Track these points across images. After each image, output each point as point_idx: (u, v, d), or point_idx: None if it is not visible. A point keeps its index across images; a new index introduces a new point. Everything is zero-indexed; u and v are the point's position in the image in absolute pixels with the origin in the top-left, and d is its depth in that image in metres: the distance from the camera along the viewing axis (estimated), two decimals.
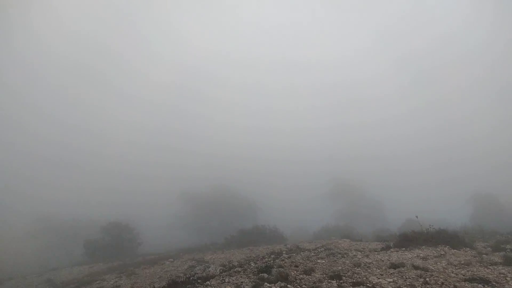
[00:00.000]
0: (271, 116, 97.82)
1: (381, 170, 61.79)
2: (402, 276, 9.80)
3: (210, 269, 12.43)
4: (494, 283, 9.03)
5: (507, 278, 9.43)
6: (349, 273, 10.32)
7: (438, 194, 53.68)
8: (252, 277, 10.35)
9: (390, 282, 9.43)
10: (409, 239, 14.19)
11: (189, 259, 19.73)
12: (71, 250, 34.27)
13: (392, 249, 13.92)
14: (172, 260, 20.42)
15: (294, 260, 12.52)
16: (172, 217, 41.27)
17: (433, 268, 10.50)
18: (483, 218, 35.85)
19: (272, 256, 14.74)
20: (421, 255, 12.62)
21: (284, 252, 15.52)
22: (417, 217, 15.25)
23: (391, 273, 10.14)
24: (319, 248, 16.09)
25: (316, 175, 57.50)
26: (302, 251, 15.16)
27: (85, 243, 29.31)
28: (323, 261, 12.33)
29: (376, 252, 13.57)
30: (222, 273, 11.47)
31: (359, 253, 13.72)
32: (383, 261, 11.97)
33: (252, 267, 11.82)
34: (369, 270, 10.58)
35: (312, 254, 14.20)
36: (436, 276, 9.65)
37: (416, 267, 10.58)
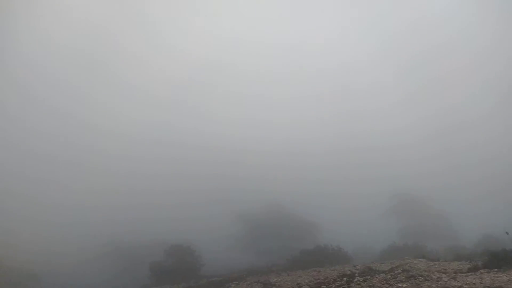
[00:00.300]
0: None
1: (446, 183, 57.48)
2: None
3: None
4: None
5: None
6: None
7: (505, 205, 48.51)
8: None
9: None
10: (501, 258, 12.62)
11: (255, 282, 19.27)
12: (137, 273, 35.30)
13: (481, 270, 12.45)
14: (237, 282, 20.11)
15: (371, 284, 11.61)
16: (230, 238, 41.26)
17: None
18: None
19: (345, 279, 13.84)
20: None
21: (356, 275, 14.53)
22: (507, 233, 13.60)
23: None
24: (394, 269, 14.88)
25: (376, 182, 54.89)
26: (377, 274, 14.08)
27: (151, 266, 30.02)
28: (404, 285, 11.28)
29: (464, 274, 12.19)
30: None
31: (444, 275, 12.43)
32: (475, 284, 10.68)
33: None
34: None
35: (389, 276, 13.12)
36: None
37: None
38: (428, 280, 11.54)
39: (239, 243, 41.01)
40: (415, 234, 40.94)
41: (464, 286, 10.65)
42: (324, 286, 12.51)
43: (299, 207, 45.53)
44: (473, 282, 11.01)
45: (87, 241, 38.88)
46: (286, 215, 44.51)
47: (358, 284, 11.84)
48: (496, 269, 12.30)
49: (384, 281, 12.04)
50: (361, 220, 51.46)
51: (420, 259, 18.63)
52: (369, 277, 13.36)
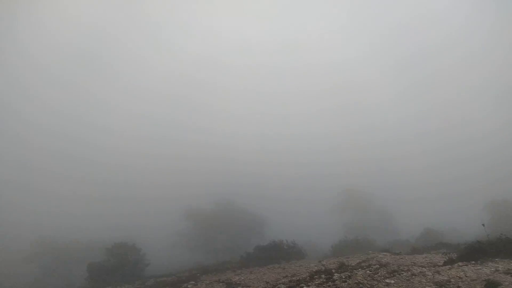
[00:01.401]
0: (266, 121, 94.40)
1: (387, 181, 60.29)
2: None
3: None
4: None
5: None
6: None
7: (445, 205, 52.24)
8: None
9: None
10: (476, 250, 12.52)
11: (215, 281, 17.70)
12: (70, 275, 31.79)
13: (459, 263, 12.24)
14: (194, 283, 18.37)
15: (359, 281, 10.75)
16: (176, 235, 38.94)
17: None
18: (500, 225, 34.50)
19: (322, 276, 12.90)
20: (500, 269, 10.98)
21: (333, 271, 13.66)
22: (483, 225, 13.64)
23: None
24: (372, 264, 14.29)
25: (323, 188, 55.78)
26: (355, 269, 13.33)
27: (88, 267, 26.86)
28: (392, 281, 10.58)
29: (448, 267, 11.85)
30: None
31: (424, 269, 12.00)
32: (461, 278, 10.29)
33: None
34: None
35: (369, 271, 12.43)
36: None
37: None
38: (415, 276, 10.97)
39: (187, 240, 38.84)
40: (357, 229, 42.03)
41: (452, 280, 10.22)
42: (303, 285, 11.39)
43: (250, 205, 44.46)
44: (458, 275, 10.65)
45: (12, 241, 34.34)
46: (236, 212, 43.16)
47: (345, 281, 10.92)
48: (473, 262, 12.17)
49: (369, 277, 11.28)
50: (309, 219, 51.95)
51: (384, 253, 18.46)
52: (348, 273, 12.55)
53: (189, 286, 17.68)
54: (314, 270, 15.55)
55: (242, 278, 17.42)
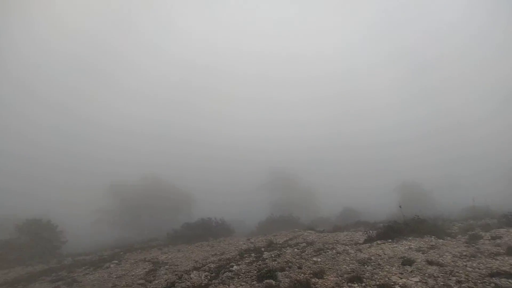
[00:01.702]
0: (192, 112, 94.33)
1: (313, 163, 63.49)
2: (424, 274, 8.89)
3: (192, 275, 10.22)
4: None
5: None
6: (367, 274, 9.13)
7: (366, 185, 56.59)
8: (256, 285, 8.57)
9: (417, 282, 8.44)
10: (393, 230, 13.58)
11: (140, 261, 17.01)
12: None
13: (378, 241, 13.19)
14: (117, 262, 17.45)
15: (288, 259, 11.00)
16: (99, 212, 36.83)
17: (445, 263, 9.81)
18: (409, 205, 38.41)
19: (252, 254, 13.02)
20: (412, 247, 12.03)
21: (263, 249, 13.88)
22: (400, 207, 14.77)
23: (411, 271, 9.18)
24: (299, 243, 14.78)
25: (254, 170, 56.85)
26: (283, 247, 13.68)
27: None
28: (319, 259, 11.02)
29: (368, 245, 12.67)
30: (211, 280, 9.47)
31: (347, 247, 12.72)
32: (380, 255, 11.07)
33: (244, 270, 10.01)
34: (386, 269, 9.51)
35: (296, 250, 12.83)
36: (458, 272, 8.94)
37: (430, 263, 9.79)
38: (340, 254, 11.54)
39: (111, 217, 36.88)
40: (284, 207, 43.67)
41: (372, 257, 10.92)
42: (233, 264, 11.35)
43: (178, 184, 43.51)
44: (378, 253, 11.43)
45: None
46: (162, 190, 41.94)
47: (275, 260, 11.11)
48: (390, 240, 13.19)
49: (298, 256, 11.62)
50: (238, 198, 52.68)
51: (309, 231, 19.28)
52: (276, 251, 12.82)
53: (111, 265, 16.74)
54: (243, 248, 15.69)
55: (170, 256, 16.97)
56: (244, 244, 17.24)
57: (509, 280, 8.27)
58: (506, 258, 10.11)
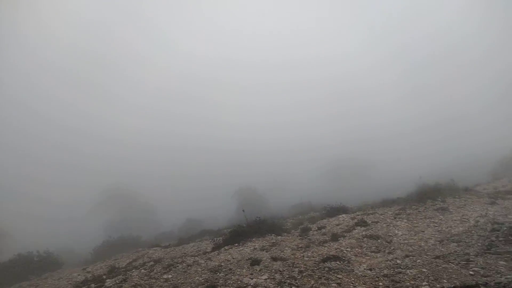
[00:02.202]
0: None
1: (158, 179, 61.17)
2: (271, 271, 9.47)
3: None
4: (342, 257, 10.02)
5: (344, 251, 10.68)
6: (221, 281, 9.10)
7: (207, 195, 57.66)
8: None
9: (266, 279, 8.90)
10: (238, 234, 14.14)
11: None
12: None
13: (226, 247, 13.48)
14: None
15: (136, 283, 10.03)
16: None
17: (287, 257, 10.72)
18: (248, 208, 41.15)
19: (92, 285, 11.35)
20: (257, 247, 12.77)
21: (104, 277, 12.25)
22: (244, 211, 15.46)
23: (260, 270, 9.64)
24: (145, 262, 13.73)
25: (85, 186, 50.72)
26: (128, 270, 12.44)
27: None
28: (170, 276, 10.46)
29: (216, 253, 12.76)
30: None
31: (197, 258, 12.53)
32: (229, 260, 11.33)
33: None
34: (237, 272, 9.70)
35: (143, 270, 11.88)
36: (298, 263, 9.88)
37: (275, 259, 10.51)
38: (191, 266, 11.23)
39: None
40: (125, 227, 40.55)
41: (222, 264, 11.05)
42: None
43: None
44: (227, 259, 11.66)
45: None
46: None
47: (120, 286, 9.92)
48: (236, 244, 13.66)
49: (146, 276, 10.73)
50: (63, 218, 46.21)
51: (154, 248, 18.28)
52: (121, 276, 11.56)
53: None
54: (79, 280, 13.61)
55: None
56: (80, 275, 15.00)
57: (337, 262, 9.61)
58: (332, 243, 11.78)
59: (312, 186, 38.24)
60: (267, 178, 50.67)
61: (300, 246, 12.04)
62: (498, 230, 10.06)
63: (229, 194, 46.81)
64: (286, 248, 11.86)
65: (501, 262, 7.83)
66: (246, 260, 10.83)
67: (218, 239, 14.77)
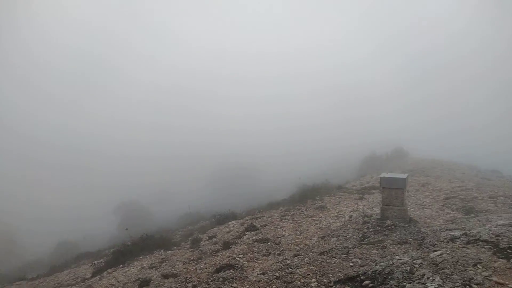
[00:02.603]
0: None
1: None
2: None
3: None
4: (235, 265, 9.97)
5: (237, 258, 10.67)
6: None
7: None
8: None
9: None
10: (123, 254, 12.95)
11: None
12: None
13: (109, 270, 12.18)
14: None
15: None
16: None
17: (179, 272, 10.18)
18: (133, 223, 38.28)
19: None
20: (145, 265, 11.90)
21: None
22: (127, 229, 14.21)
23: None
24: None
25: None
26: None
27: None
28: None
29: (98, 278, 11.40)
30: None
31: (74, 287, 11.02)
32: (113, 284, 10.26)
33: None
34: None
35: None
36: (191, 277, 9.46)
37: (166, 276, 9.86)
38: None
39: None
40: None
41: None
42: None
43: None
44: (111, 283, 10.56)
45: None
46: None
47: None
48: (121, 265, 12.48)
49: None
50: None
51: (18, 283, 15.49)
52: None
53: None
54: None
55: None
56: None
57: (231, 271, 9.50)
58: (224, 252, 11.65)
59: (201, 195, 37.91)
60: (153, 188, 48.41)
61: (191, 258, 11.59)
62: (368, 222, 11.30)
63: (109, 211, 43.24)
64: (177, 263, 11.30)
65: (374, 251, 8.74)
66: (134, 282, 9.93)
67: (99, 261, 13.27)
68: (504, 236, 7.22)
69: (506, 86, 67.17)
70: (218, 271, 9.62)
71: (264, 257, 10.47)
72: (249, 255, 10.78)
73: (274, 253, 10.63)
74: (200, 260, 11.13)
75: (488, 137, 45.86)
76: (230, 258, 10.69)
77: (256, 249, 11.24)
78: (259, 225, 14.30)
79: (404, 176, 10.66)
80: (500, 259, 6.30)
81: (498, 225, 8.26)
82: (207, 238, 14.56)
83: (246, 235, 13.24)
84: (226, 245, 12.22)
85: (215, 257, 11.20)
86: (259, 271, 9.13)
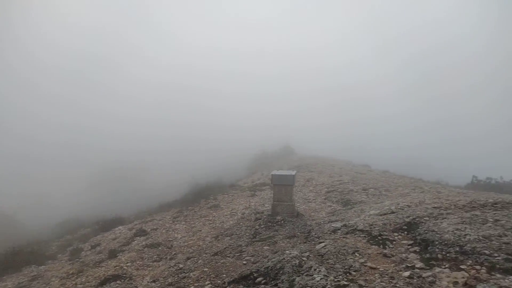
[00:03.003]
0: None
1: None
2: None
3: None
4: (122, 275, 9.22)
5: (124, 267, 9.89)
6: None
7: None
8: None
9: None
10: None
11: None
12: None
13: None
14: None
15: None
16: None
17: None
18: None
19: None
20: (9, 286, 10.19)
21: None
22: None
23: None
24: None
25: None
26: None
27: None
28: None
29: None
30: None
31: None
32: None
33: None
34: None
35: None
36: None
37: None
38: None
39: None
40: None
41: None
42: None
43: None
44: None
45: None
46: None
47: None
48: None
49: None
50: None
51: None
52: None
53: None
54: None
55: None
56: None
57: (118, 282, 8.74)
58: (110, 261, 10.68)
59: (82, 199, 34.19)
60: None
61: (71, 272, 10.31)
62: (260, 219, 11.62)
63: None
64: (53, 279, 9.93)
65: (266, 247, 8.99)
66: None
67: None
68: (375, 224, 8.12)
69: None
70: (102, 283, 8.77)
71: (155, 263, 9.92)
72: (138, 262, 10.10)
73: (166, 258, 10.17)
74: (81, 273, 9.97)
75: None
76: (117, 267, 9.85)
77: (146, 255, 10.60)
78: (149, 229, 13.55)
79: (293, 173, 11.26)
80: (373, 246, 7.03)
81: (371, 215, 9.28)
82: (90, 247, 13.20)
83: (135, 241, 12.41)
84: (112, 254, 11.23)
85: (99, 268, 10.20)
86: (150, 279, 8.61)
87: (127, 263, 10.12)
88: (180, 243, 11.36)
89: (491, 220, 7.14)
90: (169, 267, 9.16)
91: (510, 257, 5.37)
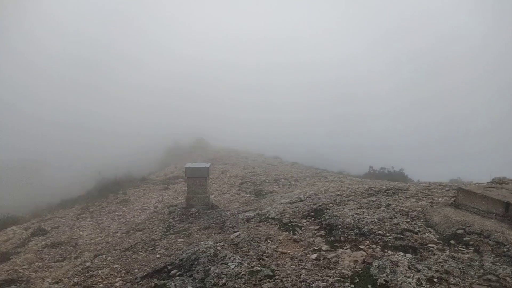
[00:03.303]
0: None
1: None
2: None
3: None
4: (18, 279, 8.33)
5: (20, 271, 8.94)
6: None
7: None
8: None
9: None
10: None
11: None
12: None
13: None
14: None
15: None
16: None
17: None
18: None
19: None
20: None
21: None
22: None
23: None
24: None
25: None
26: None
27: None
28: None
29: None
30: None
31: None
32: None
33: None
34: None
35: None
36: None
37: None
38: None
39: None
40: None
41: None
42: None
43: None
44: None
45: None
46: None
47: None
48: None
49: None
50: None
51: None
52: None
53: None
54: None
55: None
56: None
57: (14, 286, 7.88)
58: (2, 265, 9.53)
59: None
60: None
61: None
62: (173, 212, 11.46)
63: None
64: None
65: (180, 240, 8.93)
66: None
67: None
68: (286, 212, 8.62)
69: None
70: None
71: (57, 263, 9.15)
72: (37, 264, 9.21)
73: (70, 257, 9.44)
74: None
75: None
76: (11, 271, 8.86)
77: (47, 256, 9.72)
78: (49, 228, 12.39)
79: (207, 165, 11.30)
80: (284, 232, 7.46)
81: (282, 203, 9.81)
82: None
83: (33, 241, 11.24)
84: (5, 257, 10.02)
85: None
86: (52, 281, 7.93)
87: (24, 265, 9.14)
88: (86, 240, 10.63)
89: (384, 204, 8.13)
90: (74, 267, 8.54)
91: (399, 235, 6.20)
